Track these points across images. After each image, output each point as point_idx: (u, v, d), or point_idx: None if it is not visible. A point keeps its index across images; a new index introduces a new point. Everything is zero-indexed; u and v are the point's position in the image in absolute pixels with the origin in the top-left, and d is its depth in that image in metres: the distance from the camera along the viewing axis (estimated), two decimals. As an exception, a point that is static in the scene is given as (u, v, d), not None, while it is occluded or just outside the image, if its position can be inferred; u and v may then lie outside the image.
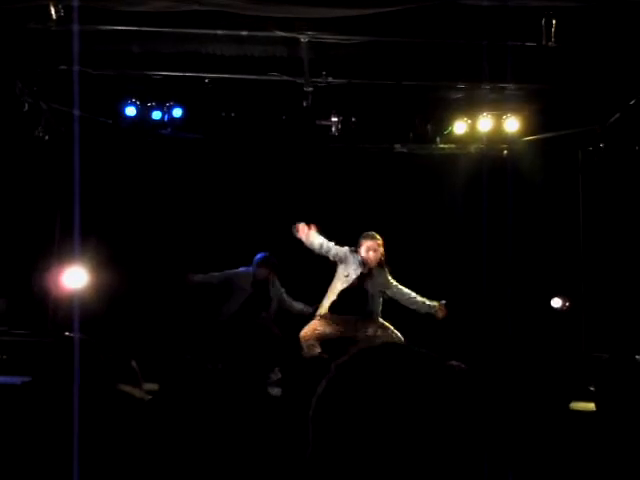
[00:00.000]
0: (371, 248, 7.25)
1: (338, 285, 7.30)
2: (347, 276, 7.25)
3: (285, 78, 8.26)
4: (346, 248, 7.32)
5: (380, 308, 7.42)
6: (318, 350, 6.92)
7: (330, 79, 8.34)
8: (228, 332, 7.94)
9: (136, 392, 4.04)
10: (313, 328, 7.23)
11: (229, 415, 3.08)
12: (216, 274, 8.67)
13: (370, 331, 7.20)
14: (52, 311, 9.01)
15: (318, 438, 1.10)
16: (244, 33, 7.33)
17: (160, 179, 9.89)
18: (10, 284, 8.25)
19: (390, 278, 7.45)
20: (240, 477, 2.71)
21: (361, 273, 7.26)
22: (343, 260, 7.29)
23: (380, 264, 7.32)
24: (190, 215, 9.86)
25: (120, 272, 9.09)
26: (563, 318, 9.61)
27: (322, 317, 7.29)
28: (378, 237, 7.33)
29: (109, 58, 8.12)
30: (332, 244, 7.26)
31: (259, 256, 8.57)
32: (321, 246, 7.20)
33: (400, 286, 7.50)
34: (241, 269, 8.65)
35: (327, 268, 7.51)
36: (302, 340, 7.15)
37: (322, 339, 7.16)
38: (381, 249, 7.31)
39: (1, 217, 8.31)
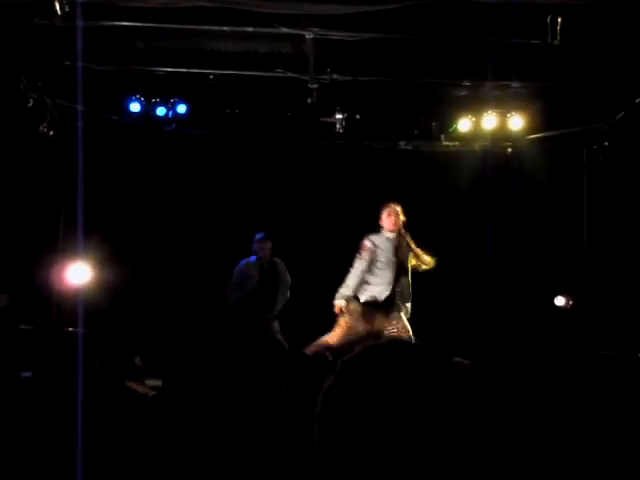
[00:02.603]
0: (385, 214, 7.40)
1: (379, 273, 7.31)
2: (385, 260, 7.29)
3: (290, 75, 8.26)
4: (368, 243, 7.35)
5: (410, 290, 7.43)
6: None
7: (335, 76, 8.33)
8: (230, 335, 7.92)
9: (140, 388, 4.05)
10: (333, 338, 7.12)
11: (233, 412, 3.08)
12: (232, 281, 8.64)
13: (393, 328, 7.13)
14: (56, 307, 9.02)
15: (324, 434, 1.10)
16: (249, 29, 7.33)
17: (164, 175, 9.90)
18: (14, 280, 8.26)
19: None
20: (245, 473, 2.72)
21: (394, 246, 7.36)
22: (375, 254, 7.31)
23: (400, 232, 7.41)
24: (194, 211, 9.87)
25: (124, 268, 9.11)
26: (567, 316, 9.61)
27: (354, 312, 7.20)
28: (392, 205, 7.46)
29: (114, 54, 8.12)
30: (359, 269, 7.31)
31: (260, 234, 8.59)
32: (359, 282, 7.27)
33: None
34: (244, 260, 8.65)
35: (331, 266, 7.50)
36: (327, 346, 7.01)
37: (348, 340, 7.05)
38: (396, 214, 7.43)
39: (5, 213, 8.32)
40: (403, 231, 7.46)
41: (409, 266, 7.47)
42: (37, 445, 2.61)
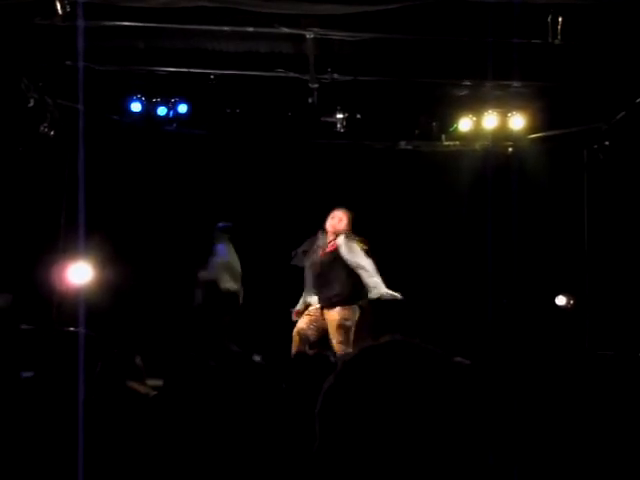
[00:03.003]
0: (329, 217, 7.34)
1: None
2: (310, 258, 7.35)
3: (290, 75, 8.26)
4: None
5: (351, 288, 7.08)
6: (308, 350, 6.86)
7: (335, 76, 8.33)
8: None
9: (141, 388, 4.05)
10: (298, 326, 7.23)
11: (234, 411, 3.08)
12: None
13: (334, 343, 6.98)
14: (57, 307, 9.02)
15: (325, 433, 1.10)
16: (250, 29, 7.34)
17: (165, 175, 9.89)
18: (15, 279, 8.27)
19: (356, 255, 7.14)
20: (246, 473, 2.72)
21: (316, 245, 7.31)
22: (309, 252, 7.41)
23: (337, 233, 7.23)
24: (195, 211, 9.86)
25: (124, 268, 9.11)
26: (567, 316, 9.61)
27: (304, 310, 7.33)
28: (339, 210, 7.37)
29: (114, 54, 8.13)
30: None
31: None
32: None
33: (366, 270, 7.10)
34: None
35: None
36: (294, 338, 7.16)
37: (307, 334, 7.14)
38: (338, 218, 7.29)
39: (6, 212, 8.32)
40: (342, 237, 7.19)
41: (336, 270, 7.12)
42: (38, 445, 2.61)
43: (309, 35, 7.28)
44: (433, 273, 9.78)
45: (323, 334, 7.15)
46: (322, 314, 7.14)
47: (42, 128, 8.82)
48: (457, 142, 9.85)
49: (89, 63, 7.56)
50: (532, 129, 9.42)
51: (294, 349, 6.97)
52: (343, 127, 9.36)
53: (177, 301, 9.43)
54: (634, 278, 8.66)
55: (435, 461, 1.06)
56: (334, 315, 7.02)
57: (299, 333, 7.10)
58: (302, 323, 7.18)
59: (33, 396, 2.90)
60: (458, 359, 4.24)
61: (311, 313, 7.23)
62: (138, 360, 4.38)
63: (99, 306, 7.90)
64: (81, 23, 6.21)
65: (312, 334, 7.11)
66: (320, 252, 7.28)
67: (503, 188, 8.83)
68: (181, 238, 9.75)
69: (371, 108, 9.37)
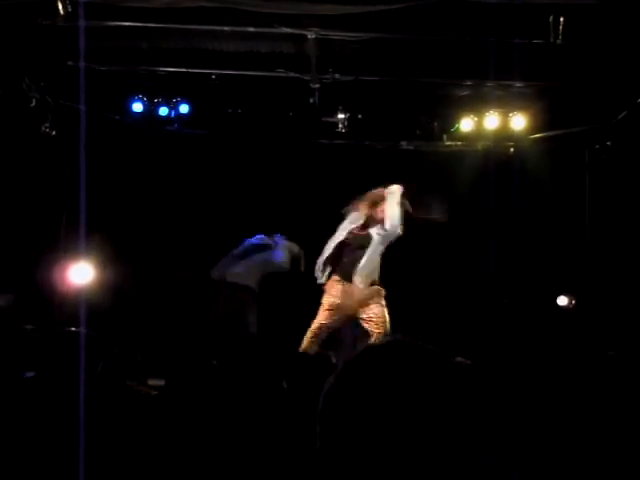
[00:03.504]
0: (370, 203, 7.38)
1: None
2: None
3: (292, 75, 8.26)
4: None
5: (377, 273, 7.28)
6: (316, 349, 6.82)
7: (337, 76, 8.34)
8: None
9: (142, 388, 4.06)
10: (316, 323, 7.19)
11: (235, 411, 3.09)
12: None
13: (371, 313, 7.05)
14: (58, 307, 9.02)
15: (326, 434, 1.10)
16: (251, 29, 7.34)
17: (166, 175, 9.90)
18: (16, 279, 8.27)
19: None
20: (247, 472, 2.72)
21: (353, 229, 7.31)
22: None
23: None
24: (196, 211, 9.87)
25: (126, 268, 9.11)
26: (569, 316, 9.60)
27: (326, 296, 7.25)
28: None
29: (116, 54, 8.13)
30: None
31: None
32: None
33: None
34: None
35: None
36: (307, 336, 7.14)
37: (326, 330, 7.12)
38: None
39: (7, 212, 8.33)
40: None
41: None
42: (40, 445, 2.62)
43: (310, 35, 7.28)
44: (434, 273, 9.78)
45: (339, 328, 7.20)
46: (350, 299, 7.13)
47: (43, 128, 8.82)
48: (458, 142, 9.85)
49: (91, 63, 7.57)
50: (533, 129, 9.42)
51: (307, 343, 6.92)
52: (344, 127, 9.36)
53: (178, 301, 9.45)
54: (636, 278, 8.65)
55: (436, 461, 1.06)
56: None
57: (320, 328, 7.05)
58: (322, 318, 7.12)
59: (35, 396, 2.90)
60: (459, 359, 4.25)
61: (327, 308, 7.18)
62: (139, 360, 4.39)
63: (100, 306, 7.90)
64: (82, 23, 6.22)
65: (329, 330, 7.11)
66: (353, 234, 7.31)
67: (504, 188, 8.83)
68: (182, 238, 9.76)
69: (372, 108, 9.37)
